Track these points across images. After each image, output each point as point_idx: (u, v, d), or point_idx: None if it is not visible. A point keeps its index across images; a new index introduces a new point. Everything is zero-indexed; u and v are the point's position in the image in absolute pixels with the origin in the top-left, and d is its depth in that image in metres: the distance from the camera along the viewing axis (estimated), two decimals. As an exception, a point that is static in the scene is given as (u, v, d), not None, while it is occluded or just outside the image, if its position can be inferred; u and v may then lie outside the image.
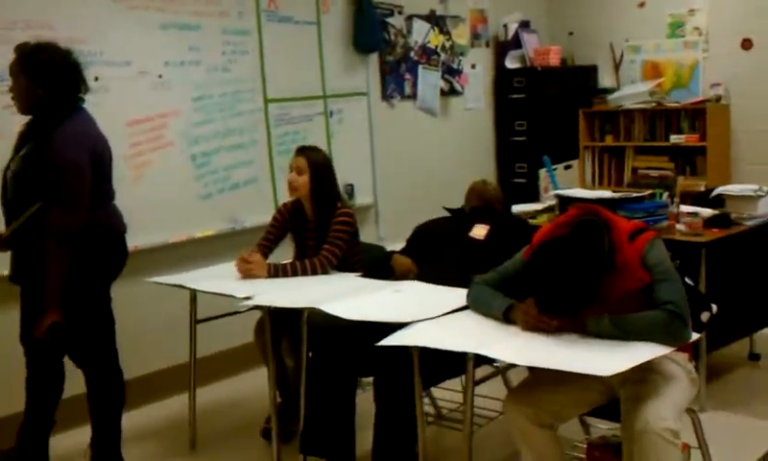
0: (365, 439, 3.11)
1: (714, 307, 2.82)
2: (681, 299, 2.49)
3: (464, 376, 3.00)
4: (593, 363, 2.31)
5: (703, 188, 5.25)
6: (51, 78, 3.07)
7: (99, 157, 3.15)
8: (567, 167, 5.68)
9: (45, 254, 3.05)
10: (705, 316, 2.79)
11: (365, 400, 3.33)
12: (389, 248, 3.94)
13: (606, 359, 2.33)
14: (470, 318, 2.82)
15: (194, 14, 4.46)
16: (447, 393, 3.55)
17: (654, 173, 5.99)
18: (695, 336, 2.55)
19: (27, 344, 3.25)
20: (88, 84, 3.25)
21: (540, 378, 2.67)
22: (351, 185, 5.22)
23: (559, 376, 2.45)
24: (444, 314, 2.86)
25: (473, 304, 2.85)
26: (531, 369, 2.73)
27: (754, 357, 4.39)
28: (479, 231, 3.39)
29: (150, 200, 4.22)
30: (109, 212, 3.28)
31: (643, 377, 2.52)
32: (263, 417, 3.77)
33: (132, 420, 3.60)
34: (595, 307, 2.52)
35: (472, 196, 3.67)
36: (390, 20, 5.58)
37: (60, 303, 3.06)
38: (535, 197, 5.25)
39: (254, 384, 4.26)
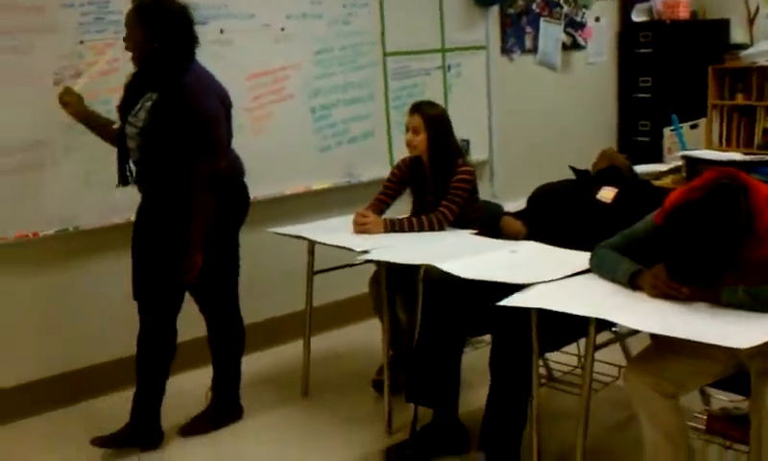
0: (479, 396, 3.11)
1: None
2: (823, 271, 2.34)
3: (580, 341, 2.97)
4: (727, 334, 2.22)
5: (841, 153, 4.93)
6: (168, 31, 3.09)
7: (224, 104, 3.21)
8: (694, 126, 5.43)
9: (169, 206, 3.15)
10: None
11: (477, 358, 3.32)
12: (503, 205, 3.89)
13: (740, 330, 2.23)
14: (592, 282, 2.75)
15: (316, -33, 4.45)
16: (560, 355, 3.49)
17: (787, 135, 5.67)
18: (837, 311, 2.40)
19: (142, 300, 3.28)
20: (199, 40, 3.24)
21: (663, 347, 2.57)
22: (467, 141, 5.14)
23: (682, 346, 2.36)
24: (564, 277, 2.79)
25: (597, 268, 2.78)
26: (653, 337, 2.64)
27: None
28: (607, 194, 3.29)
29: (270, 151, 4.28)
30: (232, 157, 3.33)
31: (776, 351, 2.40)
32: (374, 368, 3.82)
33: (249, 365, 3.69)
34: (729, 276, 2.40)
35: (602, 159, 3.55)
36: (513, -29, 5.43)
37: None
38: (658, 157, 5.05)
39: (366, 335, 4.30)
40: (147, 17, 3.09)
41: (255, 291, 3.99)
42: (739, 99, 5.96)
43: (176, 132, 3.08)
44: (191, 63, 3.17)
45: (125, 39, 3.16)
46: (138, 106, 3.15)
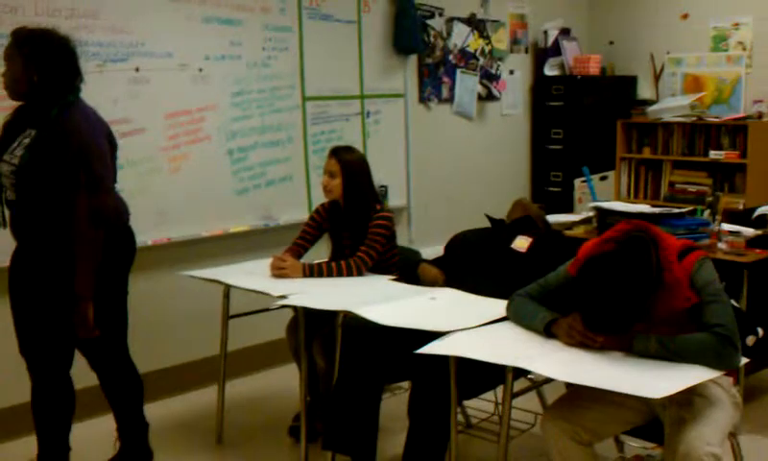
0: (397, 443, 3.08)
1: (761, 331, 2.75)
2: (731, 322, 2.43)
3: (497, 388, 2.98)
4: (641, 384, 2.26)
5: (741, 207, 5.17)
6: (48, 64, 2.94)
7: (110, 142, 3.08)
8: (603, 178, 5.63)
9: (48, 252, 2.95)
10: (750, 340, 2.73)
11: (395, 404, 3.30)
12: (420, 251, 3.92)
13: (653, 380, 2.28)
14: (509, 330, 2.78)
15: (236, 9, 4.43)
16: (477, 402, 3.51)
17: (691, 188, 5.91)
18: (743, 361, 2.49)
19: (29, 356, 3.05)
20: (83, 75, 3.08)
21: (579, 395, 2.61)
22: (385, 187, 5.18)
23: (598, 394, 2.40)
24: (482, 325, 2.81)
25: (514, 316, 2.81)
26: (569, 385, 2.68)
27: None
28: (521, 243, 3.35)
29: (186, 193, 4.21)
30: (117, 197, 3.17)
31: (687, 400, 2.46)
32: (291, 414, 3.76)
33: (161, 410, 3.59)
34: (640, 326, 2.47)
35: (516, 208, 3.62)
36: (430, 22, 5.54)
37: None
38: (569, 207, 5.19)
39: (283, 380, 4.24)
40: (25, 48, 2.93)
41: (171, 335, 3.89)
42: (646, 153, 6.20)
43: (56, 168, 2.89)
44: (75, 99, 3.01)
45: (3, 74, 3.00)
46: (16, 143, 2.96)
